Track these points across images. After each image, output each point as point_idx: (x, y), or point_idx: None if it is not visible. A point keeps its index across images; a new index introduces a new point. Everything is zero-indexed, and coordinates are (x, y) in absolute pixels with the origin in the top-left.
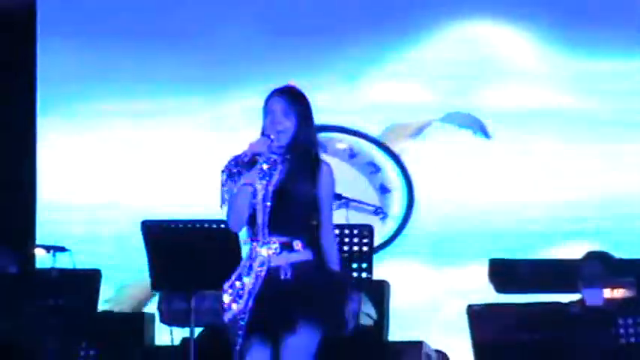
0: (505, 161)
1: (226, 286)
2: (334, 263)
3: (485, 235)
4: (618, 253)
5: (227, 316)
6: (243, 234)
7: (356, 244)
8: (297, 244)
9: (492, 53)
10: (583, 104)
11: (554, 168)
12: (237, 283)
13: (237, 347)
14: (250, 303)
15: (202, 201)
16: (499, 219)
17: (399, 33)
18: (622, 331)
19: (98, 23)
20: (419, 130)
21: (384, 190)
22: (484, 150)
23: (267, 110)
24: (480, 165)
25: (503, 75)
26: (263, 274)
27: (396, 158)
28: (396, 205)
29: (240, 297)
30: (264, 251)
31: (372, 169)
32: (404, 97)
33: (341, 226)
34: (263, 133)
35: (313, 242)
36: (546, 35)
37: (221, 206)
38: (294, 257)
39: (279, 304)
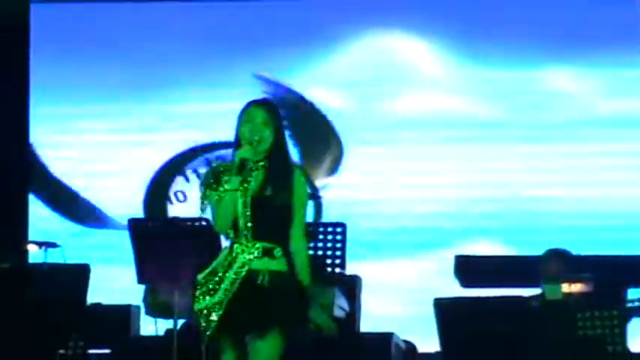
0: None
1: (201, 277)
2: (304, 270)
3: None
4: (523, 250)
5: (197, 306)
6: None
7: (329, 240)
8: (278, 252)
9: (404, 63)
10: (486, 110)
11: (462, 169)
12: (214, 277)
13: (207, 334)
14: (225, 300)
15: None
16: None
17: (316, 43)
18: (580, 324)
19: (84, 32)
20: (335, 166)
21: None
22: (404, 157)
23: (245, 119)
24: (407, 170)
25: (413, 83)
26: (243, 274)
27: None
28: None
29: (215, 291)
30: (246, 254)
31: None
32: (322, 103)
33: (315, 224)
34: (238, 142)
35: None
36: (452, 46)
37: (201, 212)
38: (272, 265)
39: (251, 309)
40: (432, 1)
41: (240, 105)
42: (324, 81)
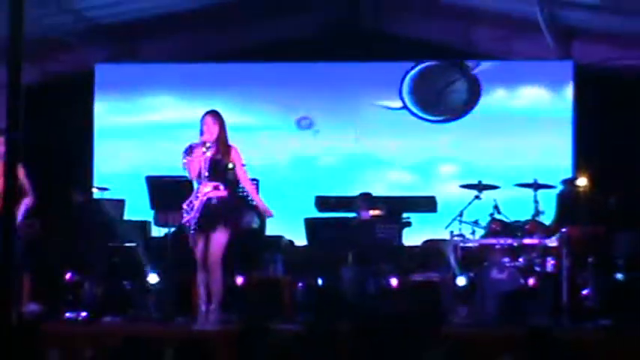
0: None
1: (185, 205)
2: (254, 198)
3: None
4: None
5: (184, 221)
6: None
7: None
8: (221, 187)
9: None
10: None
11: None
12: (190, 204)
13: (191, 236)
14: (197, 215)
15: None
16: None
17: None
18: (378, 232)
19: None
20: None
21: None
22: None
23: (202, 122)
24: None
25: None
26: (204, 200)
27: None
28: None
29: (192, 209)
30: (205, 189)
31: None
32: None
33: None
34: (201, 132)
35: (229, 186)
36: None
37: (183, 168)
38: (219, 193)
39: (209, 217)
40: None
41: None
42: None
